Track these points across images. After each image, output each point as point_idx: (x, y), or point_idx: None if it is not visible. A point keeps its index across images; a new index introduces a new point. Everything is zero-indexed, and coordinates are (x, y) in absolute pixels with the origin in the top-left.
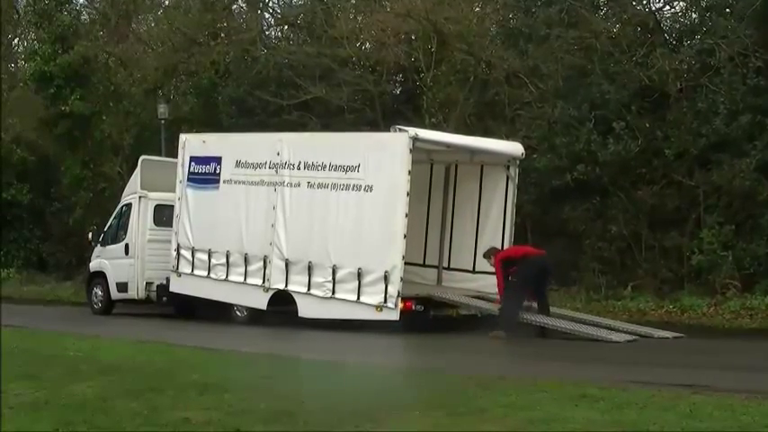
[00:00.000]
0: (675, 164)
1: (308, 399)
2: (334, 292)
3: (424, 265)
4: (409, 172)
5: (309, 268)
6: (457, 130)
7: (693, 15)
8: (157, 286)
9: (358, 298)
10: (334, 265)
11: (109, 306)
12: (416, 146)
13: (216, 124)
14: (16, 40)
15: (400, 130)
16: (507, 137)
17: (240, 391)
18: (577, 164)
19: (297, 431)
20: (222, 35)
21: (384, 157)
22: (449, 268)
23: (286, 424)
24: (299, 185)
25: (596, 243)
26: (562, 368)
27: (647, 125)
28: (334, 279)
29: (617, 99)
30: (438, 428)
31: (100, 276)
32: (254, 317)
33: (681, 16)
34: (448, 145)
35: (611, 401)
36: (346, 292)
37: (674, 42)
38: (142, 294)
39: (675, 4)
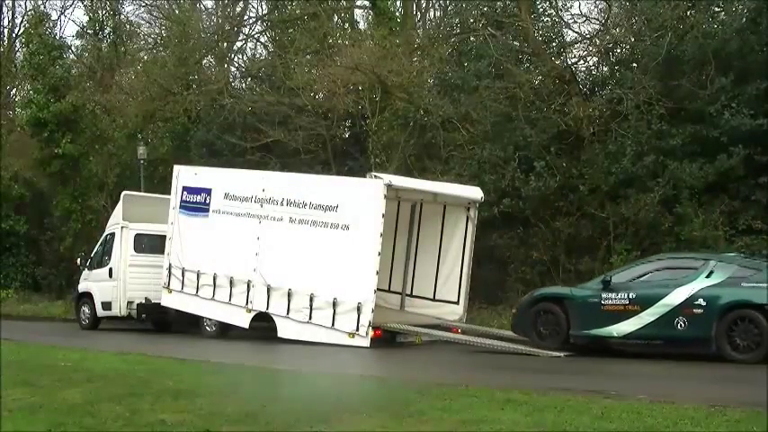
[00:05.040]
0: (589, 198)
1: (270, 403)
2: (311, 318)
3: (389, 291)
4: (383, 215)
5: (289, 295)
6: (398, 169)
7: (604, 69)
8: (137, 305)
9: (333, 324)
10: (312, 294)
11: (95, 322)
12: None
13: (188, 164)
14: (14, 91)
15: (376, 176)
16: (442, 175)
17: (210, 396)
18: (503, 198)
19: (259, 431)
20: (194, 86)
21: (361, 200)
22: (411, 295)
23: (250, 425)
24: (281, 219)
25: (520, 267)
26: (492, 376)
27: (564, 164)
28: (311, 306)
29: (538, 141)
30: (383, 428)
31: (87, 296)
32: (223, 331)
33: (593, 69)
34: (416, 190)
35: (532, 405)
36: (322, 318)
37: (588, 92)
38: (124, 312)
39: (589, 58)
